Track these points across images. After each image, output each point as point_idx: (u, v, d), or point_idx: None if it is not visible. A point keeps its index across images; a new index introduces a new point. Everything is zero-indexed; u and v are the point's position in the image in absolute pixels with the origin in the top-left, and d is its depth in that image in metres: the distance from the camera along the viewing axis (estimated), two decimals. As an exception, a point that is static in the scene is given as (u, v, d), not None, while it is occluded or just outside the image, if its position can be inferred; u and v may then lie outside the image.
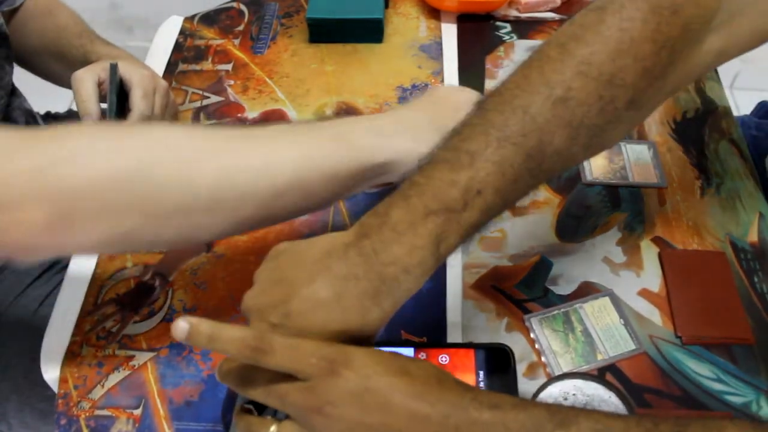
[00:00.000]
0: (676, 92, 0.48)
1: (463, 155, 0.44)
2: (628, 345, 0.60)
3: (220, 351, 0.41)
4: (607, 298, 0.63)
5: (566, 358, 0.59)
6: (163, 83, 0.75)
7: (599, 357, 0.59)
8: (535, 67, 0.46)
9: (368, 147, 0.52)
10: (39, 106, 0.91)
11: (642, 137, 0.76)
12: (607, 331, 0.60)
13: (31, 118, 0.85)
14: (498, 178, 0.43)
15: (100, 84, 0.71)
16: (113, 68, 0.71)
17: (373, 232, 0.43)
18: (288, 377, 0.40)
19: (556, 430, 0.38)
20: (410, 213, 0.43)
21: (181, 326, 0.40)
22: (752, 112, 0.98)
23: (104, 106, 0.71)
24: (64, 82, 0.84)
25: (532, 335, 0.60)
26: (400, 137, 0.54)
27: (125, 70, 0.72)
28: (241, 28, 0.91)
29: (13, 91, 0.82)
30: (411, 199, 0.43)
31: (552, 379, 0.54)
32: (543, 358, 0.59)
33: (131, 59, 0.77)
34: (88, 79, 0.70)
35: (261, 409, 0.45)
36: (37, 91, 0.91)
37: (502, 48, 0.87)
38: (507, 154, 0.44)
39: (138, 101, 0.71)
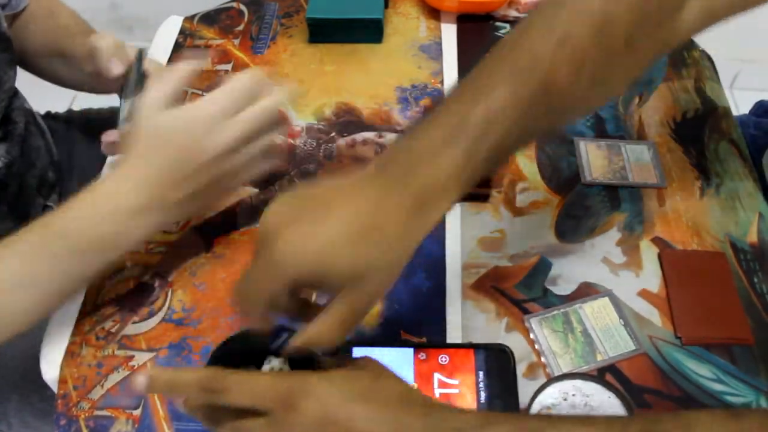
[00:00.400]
0: (674, 44, 0.50)
1: (479, 89, 0.46)
2: (627, 345, 0.60)
3: (181, 395, 0.43)
4: (606, 299, 0.63)
5: (566, 358, 0.59)
6: None
7: (599, 357, 0.59)
8: (536, 15, 0.49)
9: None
10: (39, 106, 0.91)
11: (642, 137, 0.76)
12: (607, 332, 0.60)
13: (31, 118, 0.85)
14: (512, 111, 0.45)
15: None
16: (140, 53, 0.70)
17: (400, 158, 0.45)
18: (252, 411, 0.41)
19: None
20: (432, 141, 0.44)
21: (140, 379, 0.42)
22: (750, 111, 0.98)
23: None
24: (67, 82, 0.84)
25: (531, 336, 0.60)
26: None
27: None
28: (240, 28, 0.91)
29: (15, 93, 0.82)
30: (431, 129, 0.45)
31: (551, 380, 0.54)
32: (543, 359, 0.59)
33: None
34: (106, 41, 0.69)
35: None
36: (37, 91, 0.91)
37: (501, 48, 0.87)
38: (518, 88, 0.46)
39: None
